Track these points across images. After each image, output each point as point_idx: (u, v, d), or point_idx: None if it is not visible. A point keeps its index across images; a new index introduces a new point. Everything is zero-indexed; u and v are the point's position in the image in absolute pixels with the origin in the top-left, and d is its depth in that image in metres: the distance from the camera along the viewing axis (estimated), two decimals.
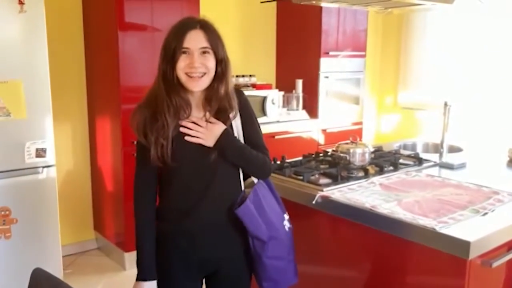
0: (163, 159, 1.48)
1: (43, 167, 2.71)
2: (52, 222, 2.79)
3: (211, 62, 1.50)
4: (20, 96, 2.58)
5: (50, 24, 2.71)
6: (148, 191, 1.59)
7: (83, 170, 3.63)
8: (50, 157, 2.72)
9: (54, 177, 2.76)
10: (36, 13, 2.58)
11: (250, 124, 1.64)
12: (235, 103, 1.58)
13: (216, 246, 1.59)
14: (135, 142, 1.58)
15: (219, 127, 1.53)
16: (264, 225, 1.58)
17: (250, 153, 1.58)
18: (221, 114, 1.56)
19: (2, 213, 2.59)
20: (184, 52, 1.47)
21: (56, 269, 2.80)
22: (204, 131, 1.52)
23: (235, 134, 1.59)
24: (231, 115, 1.57)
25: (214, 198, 1.56)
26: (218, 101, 1.55)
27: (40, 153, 2.68)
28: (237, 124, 1.60)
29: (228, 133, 1.55)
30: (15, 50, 2.56)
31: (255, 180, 1.63)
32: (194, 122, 1.52)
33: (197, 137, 1.51)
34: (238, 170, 1.62)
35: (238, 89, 1.65)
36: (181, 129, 1.51)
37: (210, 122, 1.54)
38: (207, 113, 1.54)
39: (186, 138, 1.51)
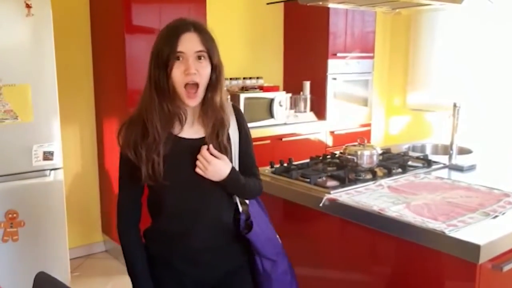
0: (155, 177, 1.37)
1: (51, 170, 2.71)
2: (59, 225, 2.79)
3: (206, 69, 1.39)
4: (28, 99, 2.58)
5: (57, 28, 2.72)
6: (134, 213, 1.49)
7: (91, 172, 3.63)
8: (58, 160, 2.73)
9: (61, 180, 2.77)
10: (43, 17, 2.59)
11: (247, 144, 1.56)
12: (230, 113, 1.51)
13: (214, 267, 1.52)
14: (120, 158, 1.47)
15: (226, 167, 1.43)
16: (268, 242, 1.55)
17: (249, 186, 1.53)
18: (219, 127, 1.45)
19: (10, 216, 2.60)
20: (178, 58, 1.36)
21: (63, 272, 2.80)
22: (208, 167, 1.40)
23: (232, 146, 1.49)
24: (226, 125, 1.47)
25: (210, 218, 1.48)
26: (214, 112, 1.44)
27: (48, 156, 2.68)
28: (234, 139, 1.51)
29: (234, 172, 1.46)
30: (22, 54, 2.56)
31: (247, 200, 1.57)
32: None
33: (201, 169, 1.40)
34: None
35: (235, 105, 1.58)
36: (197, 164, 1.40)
37: (211, 154, 1.41)
38: (211, 146, 1.42)
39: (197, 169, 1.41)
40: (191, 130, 1.46)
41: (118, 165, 1.48)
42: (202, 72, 1.38)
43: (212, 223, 1.48)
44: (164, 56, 1.36)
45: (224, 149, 1.46)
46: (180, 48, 1.35)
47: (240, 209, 1.54)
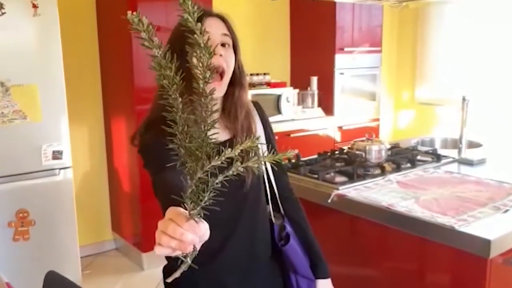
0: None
1: (60, 169, 2.73)
2: (69, 223, 2.81)
3: (232, 57, 1.21)
4: (36, 99, 2.60)
5: (64, 27, 2.73)
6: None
7: (100, 171, 3.65)
8: (67, 159, 2.74)
9: (71, 179, 2.78)
10: (50, 16, 2.60)
11: (272, 143, 1.42)
12: (254, 112, 1.36)
13: None
14: (142, 147, 1.25)
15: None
16: (305, 259, 1.41)
17: (314, 241, 1.45)
18: (246, 131, 1.27)
19: (20, 215, 2.62)
20: None
21: (74, 270, 2.82)
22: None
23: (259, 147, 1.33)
24: (253, 128, 1.31)
25: (245, 234, 1.28)
26: (242, 111, 1.27)
27: (57, 155, 2.70)
28: (260, 139, 1.34)
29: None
30: (29, 54, 2.58)
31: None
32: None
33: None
34: (266, 197, 1.38)
35: (254, 101, 1.42)
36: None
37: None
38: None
39: None
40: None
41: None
42: (229, 60, 1.20)
43: (247, 238, 1.30)
44: (183, 41, 1.08)
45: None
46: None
47: (273, 220, 1.38)
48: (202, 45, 0.69)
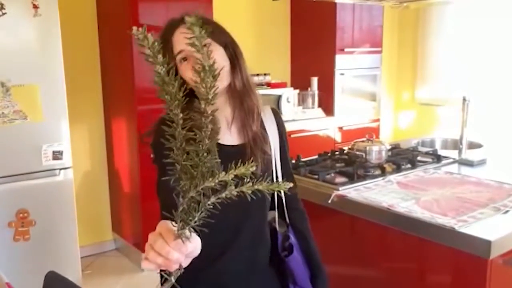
0: None
1: (60, 169, 2.73)
2: (70, 223, 2.81)
3: (217, 51, 1.17)
4: (36, 99, 2.60)
5: (64, 27, 2.73)
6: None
7: (100, 171, 3.65)
8: (67, 159, 2.75)
9: (71, 179, 2.78)
10: (50, 17, 2.60)
11: (286, 151, 1.40)
12: (259, 99, 1.30)
13: None
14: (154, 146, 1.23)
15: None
16: (304, 269, 1.40)
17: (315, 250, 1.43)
18: (247, 117, 1.26)
19: (21, 215, 2.62)
20: (184, 59, 1.17)
21: (75, 270, 2.82)
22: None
23: (272, 153, 1.32)
24: (260, 115, 1.28)
25: (247, 241, 1.28)
26: (235, 98, 1.24)
27: (57, 155, 2.70)
28: (274, 145, 1.34)
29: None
30: (30, 54, 2.58)
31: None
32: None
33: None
34: (269, 205, 1.36)
35: (274, 108, 1.41)
36: None
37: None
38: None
39: None
40: (228, 135, 1.26)
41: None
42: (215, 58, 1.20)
43: (248, 244, 1.30)
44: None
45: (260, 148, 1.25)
46: (179, 46, 1.17)
47: (277, 228, 1.38)
48: (207, 68, 0.70)
